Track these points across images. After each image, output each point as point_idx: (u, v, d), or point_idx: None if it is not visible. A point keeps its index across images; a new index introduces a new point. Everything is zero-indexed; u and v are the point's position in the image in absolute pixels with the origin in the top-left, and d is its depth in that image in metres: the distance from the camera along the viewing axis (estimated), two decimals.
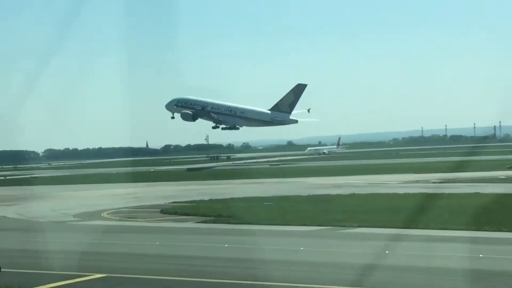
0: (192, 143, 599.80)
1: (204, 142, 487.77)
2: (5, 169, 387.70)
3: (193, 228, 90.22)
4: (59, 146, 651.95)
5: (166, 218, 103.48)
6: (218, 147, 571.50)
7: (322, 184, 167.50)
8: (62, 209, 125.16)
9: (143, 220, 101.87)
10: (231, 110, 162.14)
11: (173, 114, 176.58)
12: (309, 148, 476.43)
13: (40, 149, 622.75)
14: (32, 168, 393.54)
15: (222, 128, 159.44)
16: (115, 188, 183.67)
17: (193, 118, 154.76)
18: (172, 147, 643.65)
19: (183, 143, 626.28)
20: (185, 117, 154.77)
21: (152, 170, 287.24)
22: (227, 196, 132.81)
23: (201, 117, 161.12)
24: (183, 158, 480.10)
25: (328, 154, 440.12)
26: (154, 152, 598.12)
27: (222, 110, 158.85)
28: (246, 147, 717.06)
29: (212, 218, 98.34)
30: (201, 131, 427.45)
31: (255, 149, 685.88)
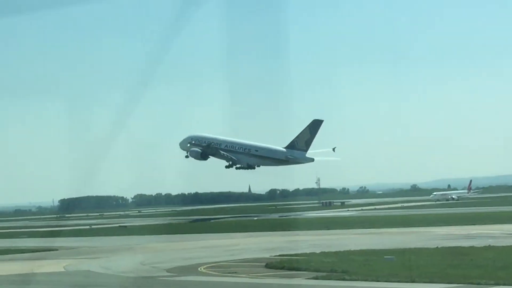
0: (300, 187, 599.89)
1: (315, 186, 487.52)
2: (91, 217, 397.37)
3: (302, 286, 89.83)
4: (149, 191, 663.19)
5: (271, 273, 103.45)
6: (330, 192, 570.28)
7: (451, 234, 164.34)
8: (153, 262, 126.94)
9: (245, 275, 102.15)
10: (245, 148, 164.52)
11: (187, 153, 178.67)
12: (435, 193, 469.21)
13: (129, 195, 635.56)
14: (120, 216, 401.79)
15: (237, 168, 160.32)
16: (214, 239, 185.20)
17: (202, 156, 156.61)
18: (278, 191, 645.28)
19: (290, 187, 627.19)
20: (194, 155, 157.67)
21: (255, 219, 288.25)
22: (342, 248, 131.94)
23: (212, 155, 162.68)
24: (291, 204, 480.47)
25: (457, 200, 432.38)
26: (258, 197, 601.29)
27: (237, 148, 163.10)
28: (363, 192, 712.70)
29: (324, 273, 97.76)
30: (311, 174, 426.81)
31: (373, 194, 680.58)
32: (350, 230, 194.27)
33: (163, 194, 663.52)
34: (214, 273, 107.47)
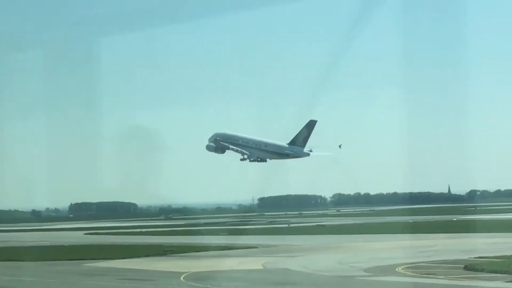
0: (502, 189, 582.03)
1: None
2: (290, 216, 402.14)
3: None
4: (348, 190, 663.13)
5: (471, 275, 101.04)
6: None
7: None
8: (351, 262, 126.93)
9: (444, 277, 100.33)
10: (257, 144, 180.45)
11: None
12: None
13: (328, 194, 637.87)
14: (319, 215, 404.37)
15: (250, 161, 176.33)
16: (411, 239, 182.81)
17: (215, 150, 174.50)
18: (478, 192, 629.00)
19: (491, 188, 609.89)
20: (209, 149, 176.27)
21: (454, 219, 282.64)
22: None
23: (226, 149, 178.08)
24: (490, 205, 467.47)
25: None
26: (457, 198, 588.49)
27: (250, 144, 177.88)
28: None
29: None
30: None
31: None
32: None
33: (362, 193, 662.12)
34: (412, 274, 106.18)
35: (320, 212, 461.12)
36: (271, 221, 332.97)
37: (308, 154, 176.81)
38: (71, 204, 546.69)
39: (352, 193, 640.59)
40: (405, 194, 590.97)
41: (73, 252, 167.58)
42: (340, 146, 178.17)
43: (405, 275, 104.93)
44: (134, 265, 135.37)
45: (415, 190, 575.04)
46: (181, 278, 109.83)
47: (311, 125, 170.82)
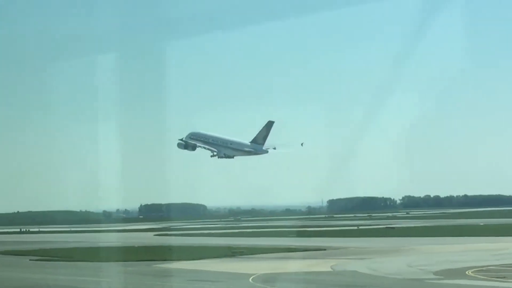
0: None
1: None
2: (359, 218, 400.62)
3: None
4: (418, 193, 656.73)
5: None
6: None
7: None
8: (420, 264, 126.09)
9: None
10: (224, 142, 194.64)
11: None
12: None
13: (397, 196, 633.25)
14: (388, 217, 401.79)
15: (219, 157, 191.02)
16: (481, 242, 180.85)
17: (185, 147, 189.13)
18: None
19: None
20: (179, 146, 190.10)
21: None
22: None
23: (196, 146, 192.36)
24: None
25: None
26: None
27: (219, 142, 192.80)
28: None
29: None
30: None
31: None
32: None
33: (432, 196, 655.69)
34: (482, 277, 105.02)
35: (389, 214, 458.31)
36: (341, 223, 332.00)
37: (266, 152, 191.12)
38: (141, 205, 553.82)
39: (422, 195, 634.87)
40: (475, 196, 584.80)
41: (143, 253, 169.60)
42: (302, 144, 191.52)
43: (476, 278, 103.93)
44: (203, 266, 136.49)
45: (486, 192, 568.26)
46: (250, 280, 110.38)
47: (269, 125, 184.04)
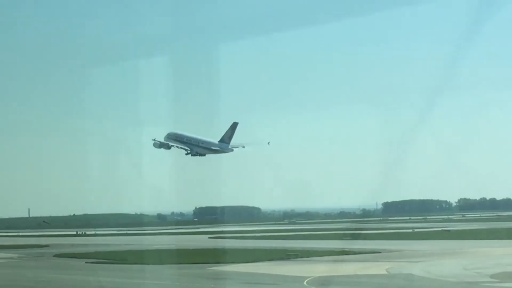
0: None
1: None
2: (414, 220, 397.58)
3: None
4: (474, 195, 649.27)
5: None
6: None
7: None
8: (476, 267, 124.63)
9: None
10: (196, 141, 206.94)
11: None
12: None
13: (453, 199, 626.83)
14: (444, 220, 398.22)
15: (192, 155, 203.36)
16: None
17: (159, 146, 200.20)
18: None
19: None
20: (154, 145, 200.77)
21: None
22: None
23: (171, 146, 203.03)
24: None
25: None
26: None
27: (192, 141, 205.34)
28: None
29: None
30: None
31: None
32: None
33: (488, 198, 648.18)
34: None
35: (445, 217, 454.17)
36: (396, 226, 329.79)
37: (232, 150, 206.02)
38: (195, 208, 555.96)
39: (477, 198, 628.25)
40: None
41: (198, 256, 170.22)
42: (268, 143, 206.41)
43: None
44: (257, 269, 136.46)
45: None
46: (304, 283, 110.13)
47: (234, 126, 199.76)
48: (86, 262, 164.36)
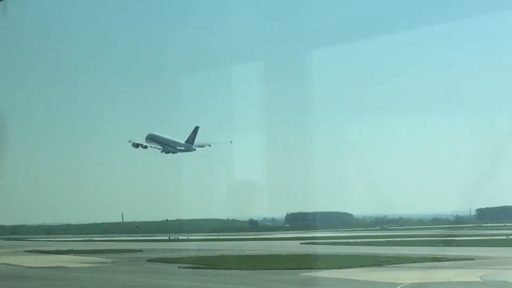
0: None
1: None
2: (508, 227, 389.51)
3: None
4: None
5: None
6: None
7: None
8: None
9: None
10: (168, 142, 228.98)
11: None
12: None
13: None
14: None
15: (166, 153, 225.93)
16: None
17: (136, 146, 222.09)
18: None
19: None
20: (132, 145, 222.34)
21: None
22: None
23: (147, 146, 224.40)
24: None
25: None
26: None
27: (165, 142, 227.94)
28: None
29: None
30: None
31: None
32: None
33: None
34: None
35: None
36: (490, 233, 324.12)
37: (194, 149, 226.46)
38: (287, 213, 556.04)
39: None
40: None
41: (290, 261, 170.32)
42: (231, 142, 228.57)
43: None
44: (349, 275, 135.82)
45: None
46: None
47: (196, 129, 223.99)
48: (179, 267, 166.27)
